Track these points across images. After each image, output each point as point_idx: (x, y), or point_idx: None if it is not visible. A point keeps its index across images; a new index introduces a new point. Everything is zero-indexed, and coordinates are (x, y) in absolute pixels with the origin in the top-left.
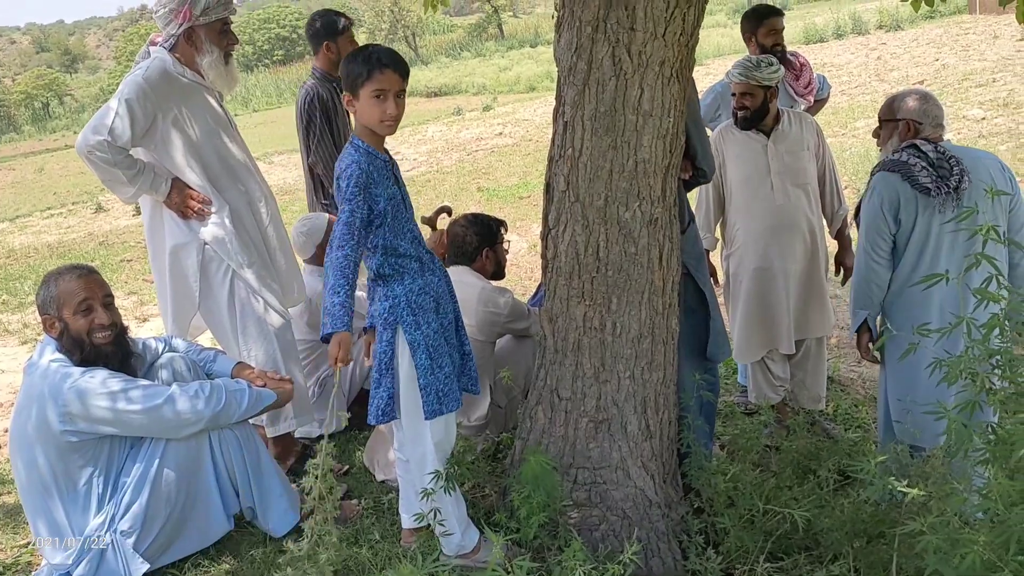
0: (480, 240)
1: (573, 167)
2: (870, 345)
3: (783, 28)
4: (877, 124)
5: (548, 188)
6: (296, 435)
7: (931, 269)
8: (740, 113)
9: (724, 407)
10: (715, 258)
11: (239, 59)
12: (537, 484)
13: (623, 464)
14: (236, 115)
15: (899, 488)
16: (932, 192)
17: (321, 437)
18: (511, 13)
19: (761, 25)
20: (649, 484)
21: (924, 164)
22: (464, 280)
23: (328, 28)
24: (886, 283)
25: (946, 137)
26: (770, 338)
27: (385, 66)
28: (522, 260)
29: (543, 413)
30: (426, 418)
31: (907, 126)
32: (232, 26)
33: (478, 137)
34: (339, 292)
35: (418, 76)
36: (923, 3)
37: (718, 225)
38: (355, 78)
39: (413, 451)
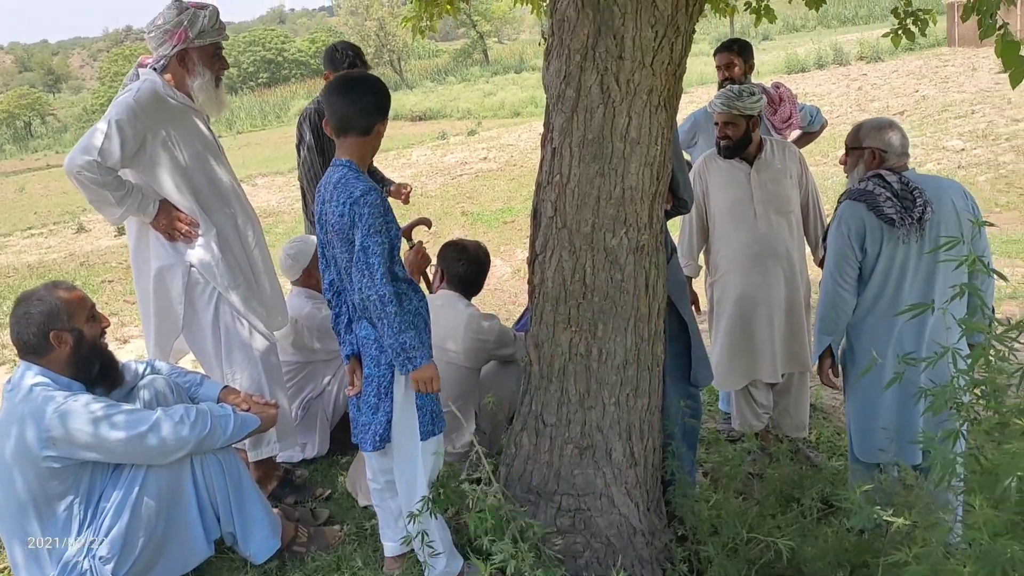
0: (485, 275)
1: (561, 193)
2: (830, 371)
3: (733, 63)
4: (844, 151)
5: (535, 214)
6: (278, 459)
7: (895, 297)
8: (723, 142)
9: (706, 433)
10: (698, 285)
11: (224, 81)
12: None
13: (607, 491)
14: (221, 136)
15: (884, 517)
16: (896, 223)
17: (304, 461)
18: (496, 39)
19: (716, 59)
20: (633, 511)
21: (889, 194)
22: (453, 306)
23: (335, 60)
24: (852, 310)
25: (927, 167)
26: (753, 367)
27: None
28: (506, 285)
29: (528, 439)
30: (422, 439)
31: (872, 154)
32: (223, 51)
33: (463, 161)
34: (410, 327)
35: (403, 100)
36: (903, 39)
37: (701, 253)
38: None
39: (403, 474)
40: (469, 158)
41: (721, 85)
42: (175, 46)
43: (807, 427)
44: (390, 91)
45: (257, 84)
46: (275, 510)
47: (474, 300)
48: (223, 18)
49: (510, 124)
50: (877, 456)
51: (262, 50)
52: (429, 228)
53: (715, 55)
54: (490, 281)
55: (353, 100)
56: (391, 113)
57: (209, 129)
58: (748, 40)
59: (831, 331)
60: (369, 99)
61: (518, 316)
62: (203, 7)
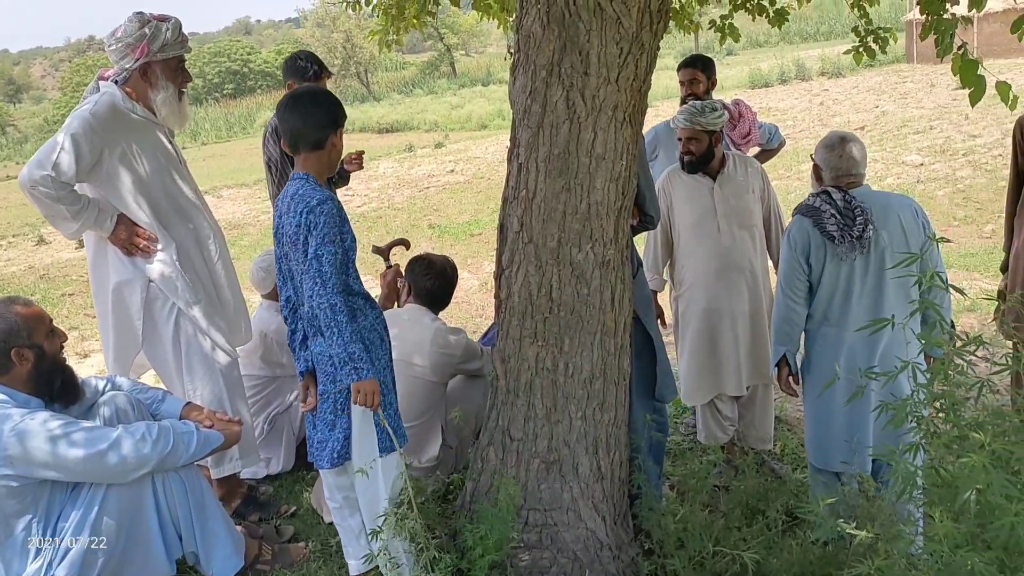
0: (452, 290)
1: (527, 208)
2: (791, 379)
3: (696, 79)
4: None
5: (502, 229)
6: (243, 475)
7: (842, 311)
8: (686, 157)
9: (673, 446)
10: (663, 299)
11: (189, 92)
12: (489, 523)
13: (574, 505)
14: (185, 148)
15: (847, 530)
16: (836, 240)
17: (268, 477)
18: (463, 52)
19: (680, 74)
20: (600, 525)
21: (833, 211)
22: (419, 320)
23: (298, 70)
24: (803, 321)
25: (887, 182)
26: (718, 382)
27: None
28: (473, 298)
29: (494, 454)
30: (381, 455)
31: (814, 169)
32: (186, 63)
33: (430, 174)
34: (359, 340)
35: (370, 112)
36: (864, 56)
37: (666, 267)
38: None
39: (365, 491)
40: (436, 171)
41: (684, 101)
42: (137, 59)
43: (772, 439)
44: (356, 103)
45: (222, 95)
46: (239, 528)
47: (441, 313)
48: (188, 29)
49: (477, 137)
50: (833, 464)
51: (227, 61)
52: (407, 249)
53: (679, 71)
54: (457, 294)
55: (303, 115)
56: (358, 125)
57: (171, 142)
58: (712, 56)
59: (785, 342)
60: (319, 113)
61: (485, 330)
62: (165, 19)
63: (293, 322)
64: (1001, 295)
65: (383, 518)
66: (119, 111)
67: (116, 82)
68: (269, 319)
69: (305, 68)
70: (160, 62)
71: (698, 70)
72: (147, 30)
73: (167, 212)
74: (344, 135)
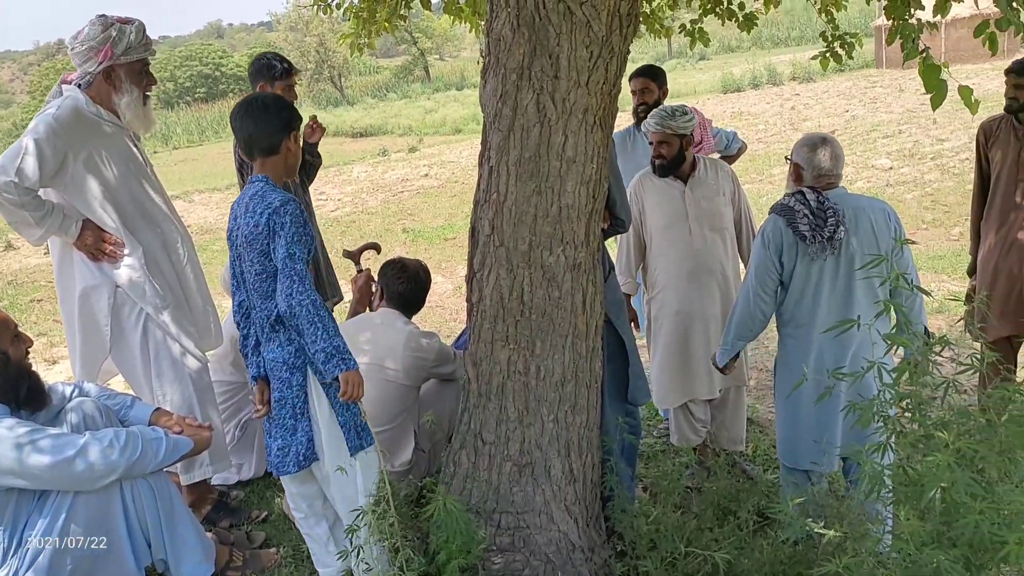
0: (425, 294)
1: (498, 211)
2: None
3: (645, 87)
4: None
5: (473, 232)
6: (213, 481)
7: (813, 311)
8: (658, 161)
9: (646, 449)
10: (636, 302)
11: (160, 95)
12: (451, 528)
13: (546, 508)
14: (155, 152)
15: (816, 529)
16: (807, 240)
17: (240, 483)
18: (437, 56)
19: (631, 84)
20: (572, 528)
21: (806, 211)
22: (392, 324)
23: (269, 70)
24: (767, 320)
25: (857, 185)
26: (691, 386)
27: None
28: (447, 302)
29: (467, 457)
30: (351, 455)
31: (793, 169)
32: (151, 66)
33: (404, 178)
34: (339, 333)
35: (344, 116)
36: (831, 61)
37: (639, 270)
38: (300, 122)
39: (341, 492)
40: (410, 175)
41: (636, 110)
42: (100, 63)
43: (744, 441)
44: (330, 107)
45: (194, 99)
46: (209, 534)
47: (415, 317)
48: (158, 32)
49: (452, 141)
50: (803, 464)
51: (199, 65)
52: (378, 253)
53: (630, 80)
54: (431, 298)
55: (256, 121)
56: (332, 129)
57: (137, 146)
58: (684, 60)
59: (745, 337)
60: (271, 118)
61: (459, 334)
62: (129, 22)
63: (246, 327)
64: (969, 298)
65: (361, 515)
66: (83, 115)
67: (80, 86)
68: None
69: (273, 66)
70: (124, 65)
71: (650, 79)
72: (111, 33)
73: (134, 217)
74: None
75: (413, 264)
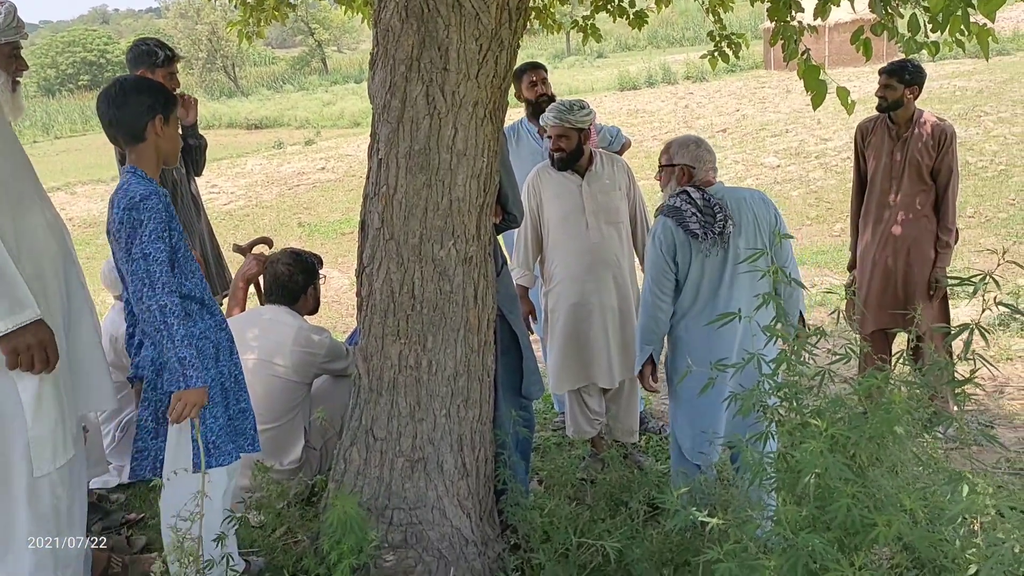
0: (305, 279)
1: (388, 205)
2: (651, 377)
3: (544, 79)
4: (659, 168)
5: (363, 225)
6: (92, 484)
7: (708, 306)
8: (556, 155)
9: (541, 442)
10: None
11: (40, 83)
12: (346, 528)
13: (439, 503)
14: (36, 142)
15: (700, 518)
16: (699, 237)
17: (121, 486)
18: (336, 48)
19: (521, 80)
20: (465, 523)
21: (694, 210)
22: (280, 320)
23: (148, 56)
24: (668, 320)
25: (747, 182)
26: (587, 373)
27: None
28: (343, 297)
29: (358, 454)
30: (194, 471)
31: (682, 171)
32: (22, 50)
33: (300, 171)
34: (190, 343)
35: (238, 108)
36: (719, 61)
37: (536, 263)
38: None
39: (170, 499)
40: (307, 168)
41: (538, 100)
42: None
43: (637, 432)
44: (223, 97)
45: (77, 87)
46: (88, 540)
47: (311, 316)
48: (39, 16)
49: (350, 134)
50: (692, 455)
51: (83, 51)
52: (270, 247)
53: (525, 73)
54: (327, 293)
55: (117, 105)
56: (225, 120)
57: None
58: (582, 57)
59: (651, 341)
60: (132, 102)
61: (354, 329)
62: None
63: (131, 325)
64: (847, 290)
65: (189, 523)
66: None
67: None
68: (120, 322)
69: (155, 53)
70: None
71: (543, 70)
72: None
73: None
74: (211, 130)
75: (303, 251)
